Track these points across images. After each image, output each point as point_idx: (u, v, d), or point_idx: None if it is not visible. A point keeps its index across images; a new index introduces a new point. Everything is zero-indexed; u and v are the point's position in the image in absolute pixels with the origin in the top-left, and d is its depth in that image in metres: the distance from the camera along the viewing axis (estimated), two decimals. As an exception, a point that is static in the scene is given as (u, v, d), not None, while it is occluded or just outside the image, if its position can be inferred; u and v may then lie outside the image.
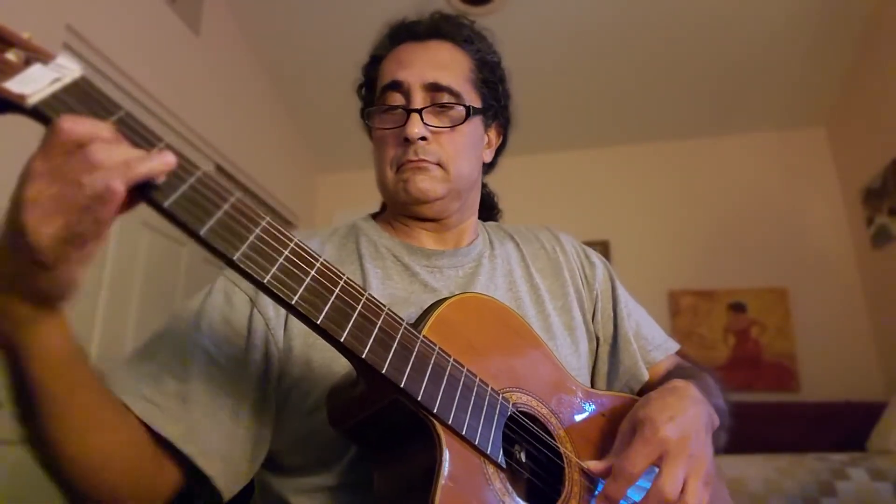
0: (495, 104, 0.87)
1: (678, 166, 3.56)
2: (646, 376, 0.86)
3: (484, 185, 1.03)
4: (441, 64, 0.82)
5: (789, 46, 2.98)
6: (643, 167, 3.60)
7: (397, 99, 0.80)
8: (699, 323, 3.29)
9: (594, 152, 3.69)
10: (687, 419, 0.63)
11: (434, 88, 0.79)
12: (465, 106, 0.80)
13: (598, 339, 0.88)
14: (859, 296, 3.15)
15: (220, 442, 0.65)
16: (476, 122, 0.84)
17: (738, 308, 3.28)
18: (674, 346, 0.93)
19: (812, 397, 3.03)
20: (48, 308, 0.46)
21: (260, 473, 0.73)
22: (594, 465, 0.64)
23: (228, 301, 0.72)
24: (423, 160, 0.78)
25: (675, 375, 0.82)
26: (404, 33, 0.86)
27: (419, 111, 0.78)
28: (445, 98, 0.79)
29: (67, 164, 0.40)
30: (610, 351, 0.88)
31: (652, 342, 0.90)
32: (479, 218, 0.98)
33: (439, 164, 0.79)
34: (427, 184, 0.78)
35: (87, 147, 0.41)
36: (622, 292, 0.92)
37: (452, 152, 0.79)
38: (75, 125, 0.41)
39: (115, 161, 0.41)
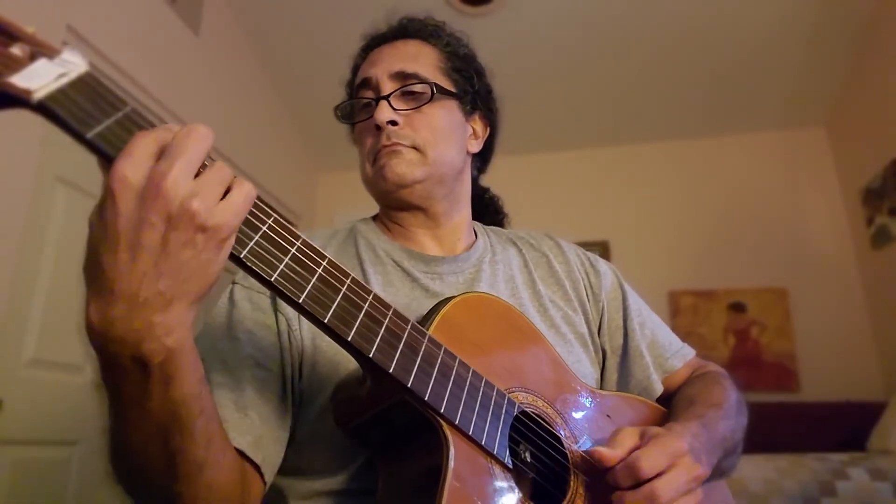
0: (470, 90, 0.87)
1: (678, 166, 3.55)
2: (658, 390, 0.85)
3: (486, 190, 1.02)
4: (408, 56, 0.84)
5: (789, 46, 2.98)
6: (643, 167, 3.59)
7: (368, 94, 0.83)
8: (699, 323, 3.29)
9: (594, 152, 3.69)
10: (702, 447, 0.64)
11: (401, 77, 0.81)
12: (430, 83, 0.80)
13: (604, 351, 0.87)
14: (859, 296, 3.15)
15: (276, 449, 0.66)
16: (451, 107, 0.84)
17: (738, 308, 3.28)
18: (690, 351, 0.92)
19: (812, 397, 3.03)
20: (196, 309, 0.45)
21: None
22: (604, 452, 0.61)
23: (256, 307, 0.72)
24: (397, 143, 0.78)
25: (691, 389, 0.83)
26: (374, 40, 0.89)
27: (386, 97, 0.79)
28: (412, 83, 0.80)
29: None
30: (619, 363, 0.86)
31: (669, 350, 0.89)
32: (485, 223, 0.97)
33: (415, 148, 0.79)
34: (403, 167, 0.78)
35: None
36: (633, 301, 0.90)
37: (428, 135, 0.80)
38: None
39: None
